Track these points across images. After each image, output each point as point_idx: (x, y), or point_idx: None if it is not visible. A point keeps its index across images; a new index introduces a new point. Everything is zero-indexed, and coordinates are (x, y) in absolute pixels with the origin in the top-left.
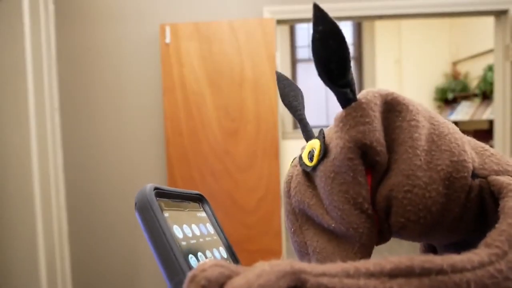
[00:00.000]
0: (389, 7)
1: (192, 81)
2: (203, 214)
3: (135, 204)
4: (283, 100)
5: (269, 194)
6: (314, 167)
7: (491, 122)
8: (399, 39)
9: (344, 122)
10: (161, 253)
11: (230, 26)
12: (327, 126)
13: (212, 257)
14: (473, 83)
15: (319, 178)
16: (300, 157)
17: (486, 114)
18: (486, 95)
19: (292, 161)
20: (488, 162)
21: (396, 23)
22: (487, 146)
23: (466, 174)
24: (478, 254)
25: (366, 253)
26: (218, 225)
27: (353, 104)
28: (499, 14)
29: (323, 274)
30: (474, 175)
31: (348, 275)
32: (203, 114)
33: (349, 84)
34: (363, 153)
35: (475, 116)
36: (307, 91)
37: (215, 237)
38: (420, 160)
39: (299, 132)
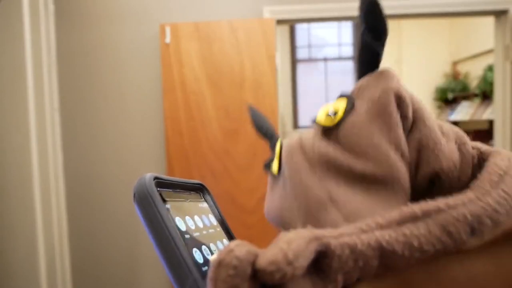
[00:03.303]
0: (389, 7)
1: (192, 81)
2: (205, 205)
3: (134, 195)
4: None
5: None
6: (339, 122)
7: (491, 122)
8: (399, 39)
9: (379, 77)
10: (165, 249)
11: (230, 26)
12: None
13: (217, 250)
14: (473, 83)
15: (348, 129)
16: (314, 121)
17: (486, 114)
18: (486, 95)
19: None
20: None
21: (396, 23)
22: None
23: (467, 141)
24: (465, 195)
25: (406, 201)
26: (220, 215)
27: (381, 68)
28: (499, 14)
29: (341, 235)
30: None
31: (363, 231)
32: (203, 114)
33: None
34: (397, 105)
35: (475, 116)
36: (307, 91)
37: (218, 229)
38: (434, 125)
39: (299, 132)
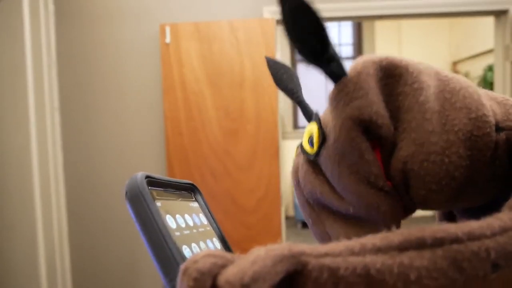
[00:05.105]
0: (389, 7)
1: (192, 81)
2: (196, 204)
3: (126, 193)
4: (278, 85)
5: (269, 194)
6: (317, 154)
7: None
8: (399, 39)
9: (338, 100)
10: (154, 245)
11: (230, 26)
12: None
13: (206, 248)
14: (473, 83)
15: (325, 164)
16: (301, 145)
17: None
18: None
19: (296, 150)
20: None
21: (396, 23)
22: (507, 96)
23: (488, 130)
24: (500, 219)
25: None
26: (210, 215)
27: (343, 79)
28: (499, 14)
29: (326, 255)
30: (499, 128)
31: (353, 252)
32: (203, 114)
33: (334, 58)
34: (365, 128)
35: None
36: (307, 91)
37: (208, 228)
38: (432, 124)
39: (299, 132)
